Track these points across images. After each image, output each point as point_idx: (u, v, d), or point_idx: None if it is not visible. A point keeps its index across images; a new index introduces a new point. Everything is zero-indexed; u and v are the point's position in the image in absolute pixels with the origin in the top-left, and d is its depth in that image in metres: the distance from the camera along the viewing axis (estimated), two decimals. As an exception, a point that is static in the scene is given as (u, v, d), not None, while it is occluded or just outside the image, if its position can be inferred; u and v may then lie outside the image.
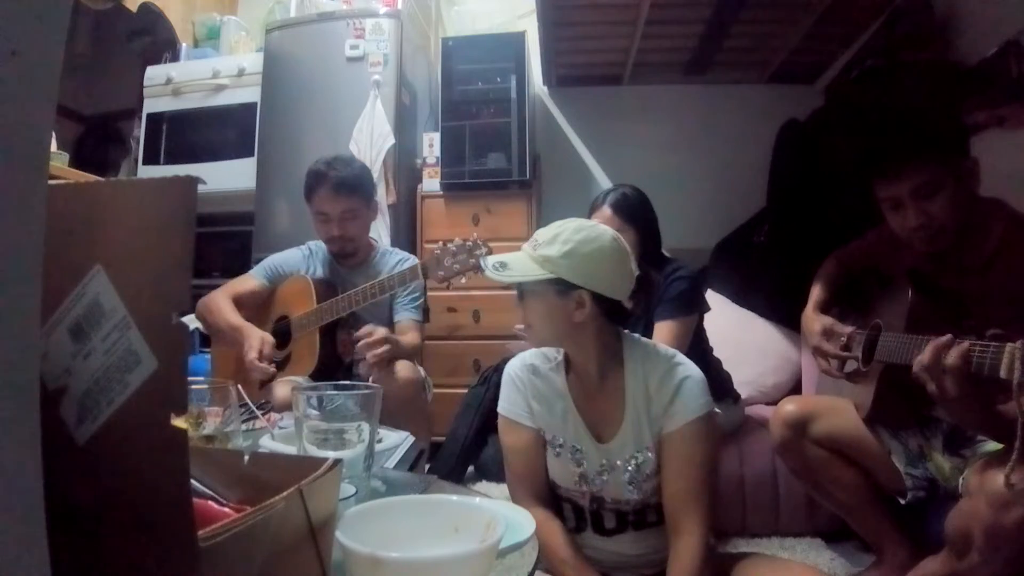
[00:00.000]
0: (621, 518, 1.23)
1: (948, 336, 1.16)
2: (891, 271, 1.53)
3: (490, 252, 1.77)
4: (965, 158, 1.36)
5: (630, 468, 1.18)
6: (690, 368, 1.20)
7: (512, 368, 1.30)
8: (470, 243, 1.80)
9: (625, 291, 1.18)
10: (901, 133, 1.43)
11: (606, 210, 1.92)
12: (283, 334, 2.05)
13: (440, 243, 1.84)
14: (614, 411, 1.21)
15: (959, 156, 1.36)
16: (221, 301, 2.04)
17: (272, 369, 1.93)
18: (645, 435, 1.19)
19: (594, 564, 1.20)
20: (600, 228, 1.18)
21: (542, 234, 1.18)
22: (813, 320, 1.61)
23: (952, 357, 1.14)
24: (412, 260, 2.11)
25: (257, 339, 1.91)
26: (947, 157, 1.35)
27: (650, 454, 1.18)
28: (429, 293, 2.27)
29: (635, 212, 1.92)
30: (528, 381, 1.27)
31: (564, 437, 1.23)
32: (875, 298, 1.57)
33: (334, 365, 2.01)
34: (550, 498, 1.27)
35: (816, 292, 1.67)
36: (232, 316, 2.00)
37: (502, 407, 1.29)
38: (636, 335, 1.28)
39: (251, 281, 2.13)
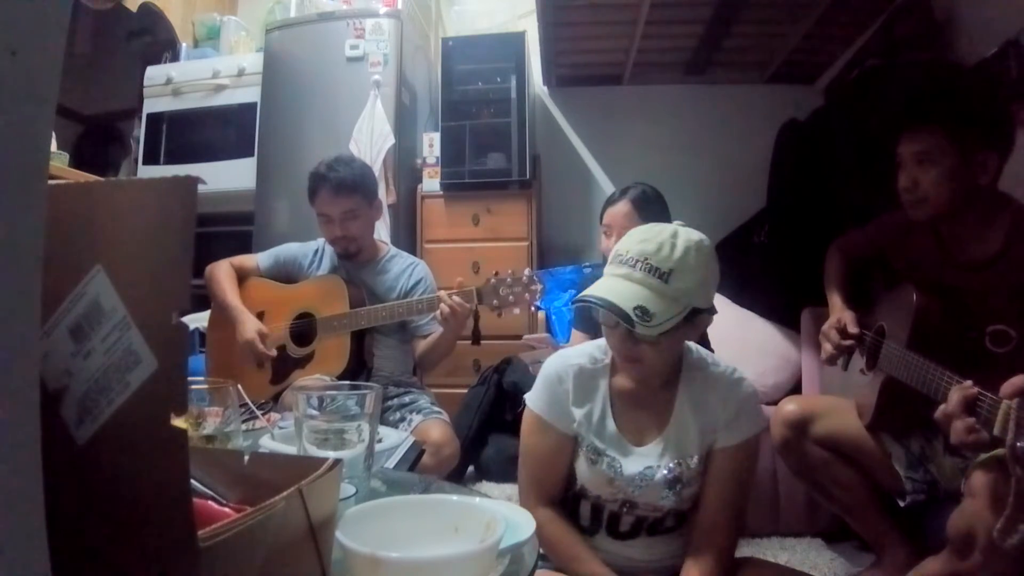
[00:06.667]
0: (637, 523, 1.19)
1: (957, 399, 1.11)
2: (898, 262, 1.53)
3: (543, 288, 1.83)
4: (982, 152, 1.36)
5: (668, 476, 1.14)
6: (751, 384, 1.18)
7: (555, 368, 1.20)
8: (524, 277, 1.83)
9: None
10: (935, 99, 1.48)
11: (625, 205, 1.92)
12: (304, 331, 2.06)
13: (495, 273, 1.87)
14: (658, 418, 1.17)
15: (976, 146, 1.36)
16: (223, 273, 2.13)
17: (272, 353, 2.01)
18: (690, 445, 1.15)
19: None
20: (695, 234, 1.09)
21: (657, 258, 1.03)
22: (838, 309, 1.60)
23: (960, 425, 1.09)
24: (420, 264, 2.21)
25: (253, 326, 2.00)
26: (961, 141, 1.36)
27: (693, 463, 1.14)
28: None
29: (654, 210, 1.92)
30: (572, 385, 1.18)
31: (600, 443, 1.17)
32: (878, 297, 1.56)
33: (357, 369, 2.02)
34: (561, 500, 1.23)
35: (835, 289, 1.66)
36: (230, 293, 2.09)
37: (535, 405, 1.19)
38: (694, 344, 1.21)
39: (251, 261, 2.21)
